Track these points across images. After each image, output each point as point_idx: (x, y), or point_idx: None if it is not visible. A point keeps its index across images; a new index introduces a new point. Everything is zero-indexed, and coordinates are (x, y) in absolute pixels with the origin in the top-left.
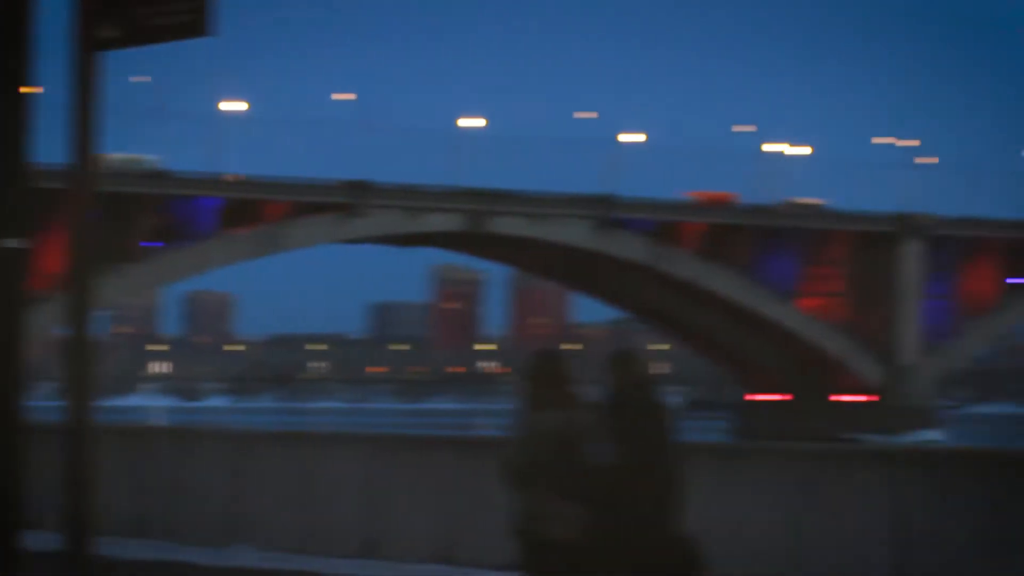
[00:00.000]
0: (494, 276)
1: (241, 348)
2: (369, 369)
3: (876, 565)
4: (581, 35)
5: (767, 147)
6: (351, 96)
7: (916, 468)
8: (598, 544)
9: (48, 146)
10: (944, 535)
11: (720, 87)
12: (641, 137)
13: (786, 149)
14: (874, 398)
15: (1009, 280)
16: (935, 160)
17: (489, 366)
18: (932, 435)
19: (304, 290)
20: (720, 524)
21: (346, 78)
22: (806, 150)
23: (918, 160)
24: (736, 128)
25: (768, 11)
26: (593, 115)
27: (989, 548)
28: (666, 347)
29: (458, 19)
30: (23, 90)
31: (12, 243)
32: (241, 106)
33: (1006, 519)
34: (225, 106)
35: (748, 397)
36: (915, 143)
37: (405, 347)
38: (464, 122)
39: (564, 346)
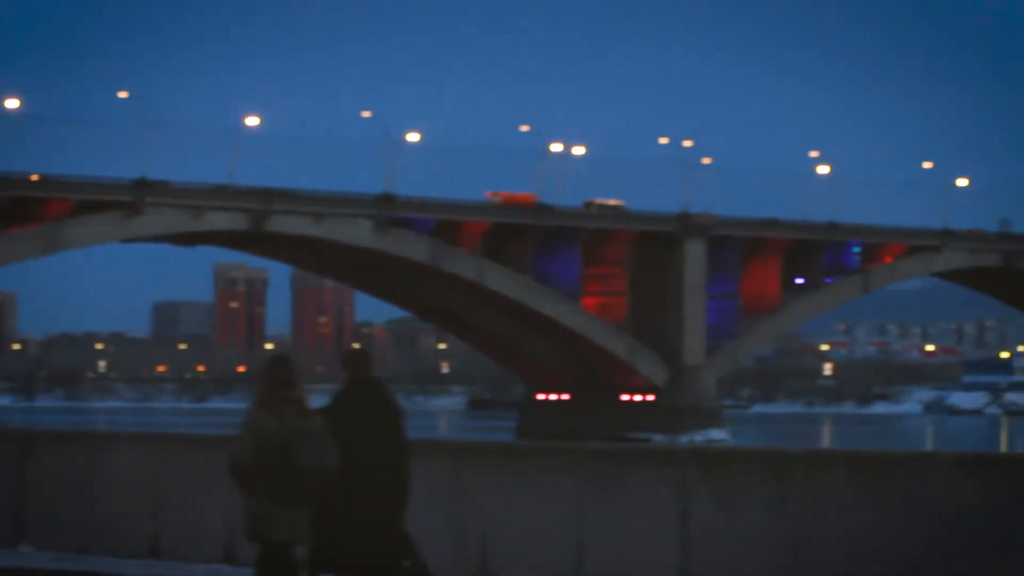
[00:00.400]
0: (279, 275)
1: (22, 347)
2: (154, 368)
3: (663, 565)
4: (372, 36)
5: (554, 147)
6: (125, 94)
7: (702, 468)
8: (323, 545)
9: None
10: (730, 534)
11: (517, 88)
12: (416, 136)
13: (572, 149)
14: (657, 398)
15: (797, 280)
16: (709, 160)
17: None
18: (717, 434)
19: (89, 288)
20: (503, 524)
21: (130, 76)
22: (581, 150)
23: (703, 161)
24: (523, 128)
25: (554, 12)
26: (369, 114)
27: (774, 546)
28: (443, 346)
29: (241, 19)
30: None
31: None
32: (14, 103)
33: (790, 517)
34: (7, 103)
35: (533, 396)
36: (690, 143)
37: (188, 346)
38: (249, 121)
39: (355, 344)
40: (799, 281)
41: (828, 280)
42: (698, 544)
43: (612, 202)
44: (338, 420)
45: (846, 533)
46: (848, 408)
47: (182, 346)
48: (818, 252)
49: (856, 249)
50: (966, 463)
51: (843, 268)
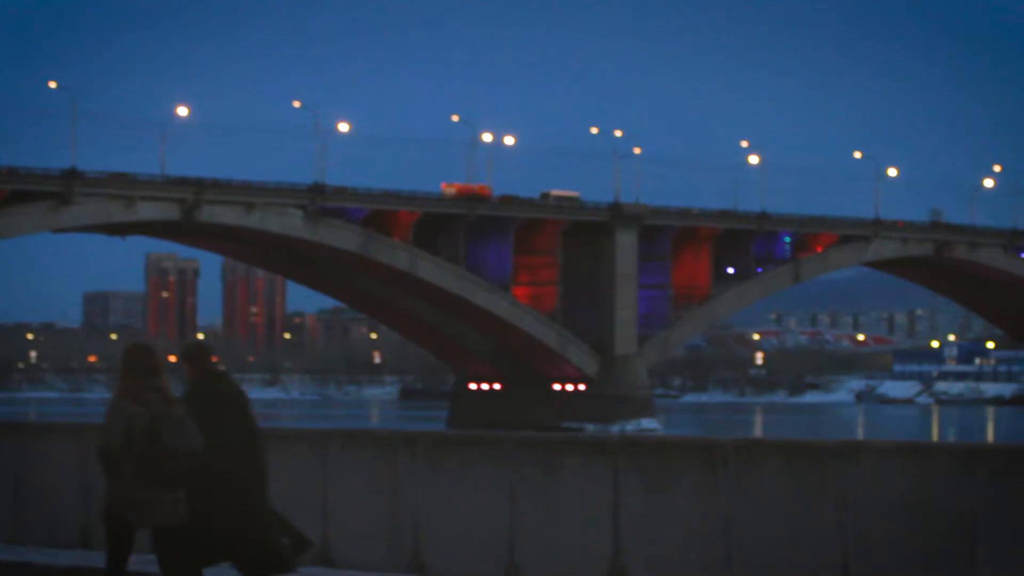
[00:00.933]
0: (210, 264)
1: None
2: (86, 358)
3: (595, 555)
4: (308, 28)
5: (485, 137)
6: (54, 84)
7: (633, 458)
8: (192, 529)
9: None
10: (662, 524)
11: (454, 80)
12: (347, 126)
13: (504, 139)
14: (588, 387)
15: (728, 270)
16: (640, 150)
17: None
18: (649, 423)
19: (19, 279)
20: (436, 515)
21: (61, 66)
22: (511, 139)
23: (635, 151)
24: (454, 118)
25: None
26: (299, 104)
27: (706, 536)
28: (375, 336)
29: (175, 9)
30: None
31: None
32: None
33: (722, 507)
34: None
35: (465, 386)
36: (620, 133)
37: (120, 336)
38: (179, 110)
39: (286, 335)
40: (730, 271)
41: (759, 270)
42: (629, 533)
43: (569, 193)
44: (191, 410)
45: (779, 523)
46: (779, 397)
47: (113, 336)
48: (749, 242)
49: (787, 239)
50: (898, 453)
51: (774, 258)
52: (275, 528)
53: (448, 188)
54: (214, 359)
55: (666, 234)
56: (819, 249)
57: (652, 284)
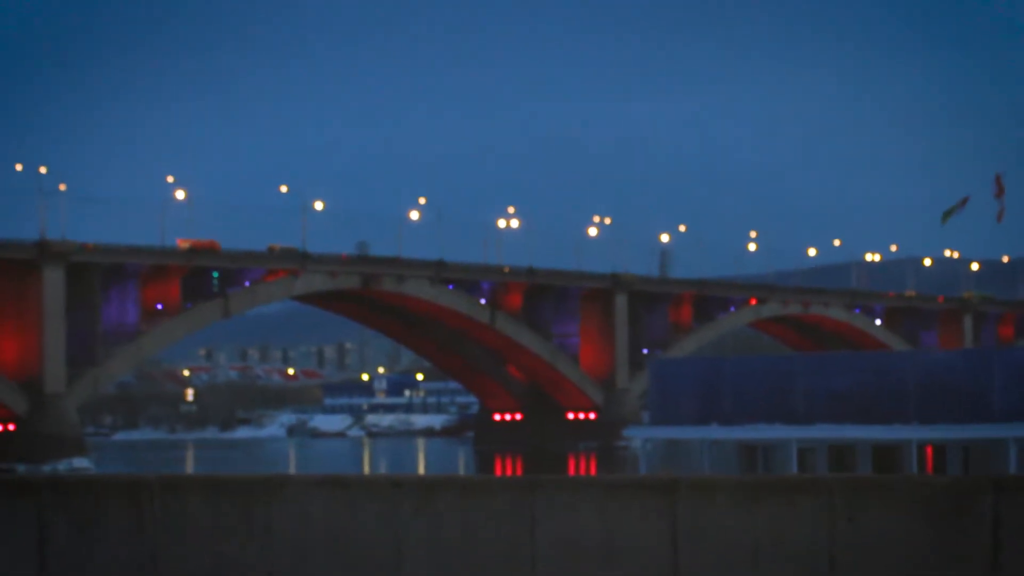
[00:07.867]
0: None
1: None
2: None
3: None
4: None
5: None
6: None
7: (60, 496)
8: None
9: None
10: (89, 561)
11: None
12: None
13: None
14: (17, 428)
15: (157, 306)
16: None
17: None
18: (81, 462)
19: None
20: None
21: None
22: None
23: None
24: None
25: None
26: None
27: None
28: None
29: None
30: None
31: None
32: None
33: (148, 543)
34: None
35: None
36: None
37: None
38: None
39: None
40: (159, 307)
41: (188, 305)
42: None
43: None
44: None
45: (205, 558)
46: (211, 433)
47: None
48: (177, 277)
49: (215, 274)
50: (321, 486)
51: (203, 293)
52: None
53: (183, 243)
54: None
55: (96, 271)
56: (254, 283)
57: (81, 322)
